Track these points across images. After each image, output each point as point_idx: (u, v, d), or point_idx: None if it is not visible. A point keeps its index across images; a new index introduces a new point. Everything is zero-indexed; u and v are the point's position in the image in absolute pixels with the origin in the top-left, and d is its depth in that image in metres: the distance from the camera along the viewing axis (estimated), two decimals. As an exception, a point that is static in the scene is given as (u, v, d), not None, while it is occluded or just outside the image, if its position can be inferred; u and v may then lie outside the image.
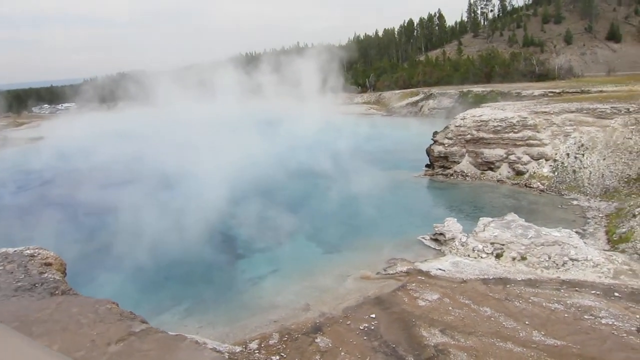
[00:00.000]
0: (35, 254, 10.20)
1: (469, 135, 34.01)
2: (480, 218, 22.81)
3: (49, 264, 9.85)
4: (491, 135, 33.01)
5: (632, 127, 28.95)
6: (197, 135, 48.57)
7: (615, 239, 20.99)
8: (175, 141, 48.87)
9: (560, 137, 31.09)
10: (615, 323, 14.85)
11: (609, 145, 29.12)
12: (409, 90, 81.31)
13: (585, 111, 31.31)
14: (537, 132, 31.68)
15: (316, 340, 15.31)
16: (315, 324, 16.36)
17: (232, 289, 20.61)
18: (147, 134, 58.00)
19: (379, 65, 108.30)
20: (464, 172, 33.71)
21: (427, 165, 36.84)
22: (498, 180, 31.92)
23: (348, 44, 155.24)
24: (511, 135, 32.30)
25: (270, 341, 15.57)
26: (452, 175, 34.00)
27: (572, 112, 31.72)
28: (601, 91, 44.40)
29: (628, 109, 29.81)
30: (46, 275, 9.17)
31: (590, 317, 15.32)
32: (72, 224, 30.68)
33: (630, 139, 28.53)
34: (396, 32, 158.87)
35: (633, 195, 25.14)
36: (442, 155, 34.85)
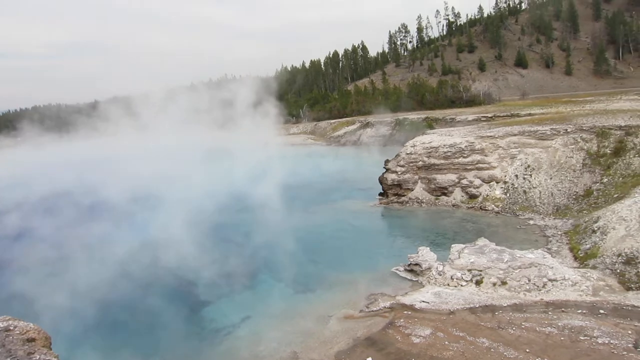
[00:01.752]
0: (11, 327, 8.39)
1: (420, 162, 34.53)
2: (452, 245, 22.78)
3: (32, 339, 8.11)
4: (442, 161, 33.71)
5: (572, 146, 30.68)
6: (135, 168, 45.91)
7: (581, 255, 21.65)
8: (115, 173, 45.94)
9: (507, 160, 32.34)
10: (611, 342, 14.95)
11: (553, 164, 30.62)
12: (344, 119, 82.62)
13: (527, 134, 32.89)
14: (485, 155, 32.77)
15: (315, 393, 14.13)
16: (309, 374, 15.16)
17: (205, 341, 18.77)
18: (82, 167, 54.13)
19: (310, 95, 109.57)
20: (419, 199, 34.03)
21: (380, 194, 36.87)
22: (453, 205, 32.46)
23: (277, 75, 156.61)
24: (461, 160, 33.16)
25: (264, 400, 14.16)
26: (407, 202, 34.20)
27: (515, 135, 33.21)
28: (530, 114, 47.33)
29: (566, 130, 31.65)
30: (37, 357, 7.49)
31: (586, 337, 15.35)
32: None
33: (572, 157, 30.18)
34: (322, 64, 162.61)
35: (584, 211, 26.35)
36: (395, 183, 35.04)
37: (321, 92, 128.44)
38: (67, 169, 56.92)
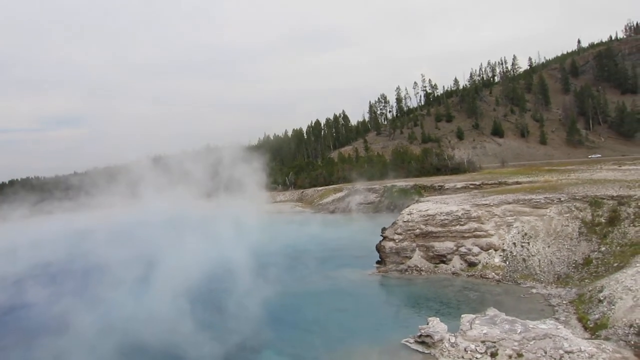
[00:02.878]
0: None
1: (417, 230, 34.76)
2: (462, 315, 22.47)
3: None
4: (439, 229, 34.00)
5: (567, 215, 31.40)
6: (125, 240, 44.82)
7: (591, 325, 21.55)
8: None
9: (504, 227, 32.81)
10: (639, 418, 14.64)
11: (549, 233, 31.15)
12: (331, 187, 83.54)
13: (521, 202, 33.66)
14: (482, 223, 33.23)
15: None
16: None
17: None
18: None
19: (295, 163, 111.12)
20: (417, 267, 33.91)
21: (378, 262, 36.65)
22: (453, 273, 32.39)
23: (260, 143, 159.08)
24: (458, 227, 33.52)
25: None
26: (406, 270, 34.01)
27: (510, 203, 33.94)
28: (517, 182, 48.69)
29: (560, 199, 32.52)
30: None
31: (614, 414, 15.02)
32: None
33: (568, 226, 30.81)
34: (305, 132, 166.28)
35: (586, 280, 26.54)
36: (393, 251, 35.00)
37: (305, 159, 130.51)
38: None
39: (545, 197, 33.28)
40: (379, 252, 36.46)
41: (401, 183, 68.93)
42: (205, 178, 74.92)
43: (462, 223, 33.59)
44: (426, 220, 34.77)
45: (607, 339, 20.01)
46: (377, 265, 36.49)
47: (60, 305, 31.29)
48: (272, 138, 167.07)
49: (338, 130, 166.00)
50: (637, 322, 19.87)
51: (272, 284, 34.78)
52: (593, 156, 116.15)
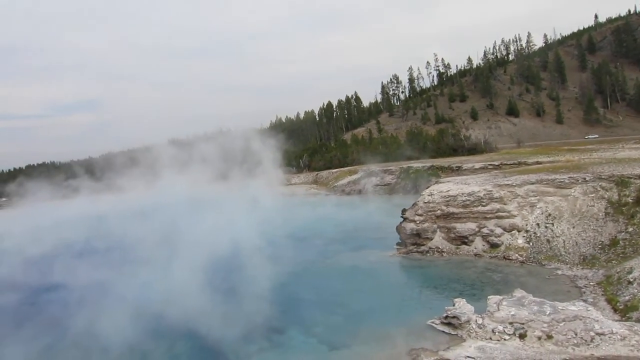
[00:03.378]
0: None
1: (439, 211, 34.46)
2: (489, 297, 22.32)
3: None
4: (461, 210, 33.67)
5: (592, 195, 30.87)
6: (145, 222, 45.17)
7: (621, 307, 21.28)
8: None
9: (527, 208, 32.37)
10: (676, 400, 14.44)
11: (574, 213, 30.67)
12: (346, 168, 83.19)
13: (545, 182, 33.13)
14: (504, 204, 32.81)
15: None
16: None
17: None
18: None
19: (309, 145, 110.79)
20: (439, 248, 33.72)
21: (398, 244, 36.51)
22: (475, 255, 32.15)
23: (272, 126, 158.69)
24: (480, 208, 33.15)
25: None
26: (427, 252, 33.84)
27: (533, 183, 33.43)
28: (538, 162, 47.98)
29: (584, 178, 31.96)
30: None
31: (650, 396, 14.82)
32: None
33: (593, 206, 30.30)
34: (317, 114, 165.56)
35: (613, 261, 26.16)
36: (414, 232, 34.80)
37: (317, 142, 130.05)
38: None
39: (569, 177, 32.71)
40: (399, 233, 36.28)
41: (417, 164, 68.39)
42: (220, 161, 75.13)
43: (484, 204, 33.20)
44: (447, 201, 34.43)
45: (638, 321, 19.73)
46: (397, 247, 36.35)
47: (89, 283, 31.91)
48: (284, 121, 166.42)
49: (350, 112, 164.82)
50: (670, 303, 19.54)
51: (292, 265, 34.97)
52: (590, 136, 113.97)
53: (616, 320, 20.04)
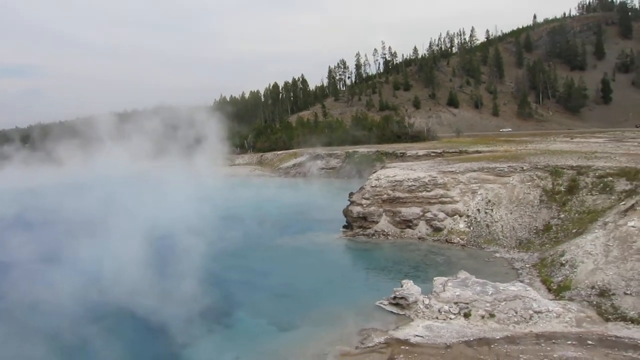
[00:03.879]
0: None
1: (385, 195, 35.11)
2: (435, 278, 23.08)
3: None
4: (406, 195, 34.47)
5: (528, 183, 32.56)
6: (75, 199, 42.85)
7: (554, 288, 22.65)
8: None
9: (469, 194, 33.68)
10: (607, 372, 15.61)
11: (512, 200, 32.26)
12: (291, 151, 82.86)
13: (486, 170, 34.56)
14: (448, 190, 33.94)
15: None
16: (321, 418, 14.45)
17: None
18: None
19: (254, 126, 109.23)
20: (384, 232, 34.42)
21: (344, 226, 36.92)
22: (419, 238, 33.11)
23: (216, 105, 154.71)
24: (425, 194, 34.10)
25: None
26: (373, 235, 34.46)
27: (475, 170, 34.78)
28: (478, 151, 49.99)
29: (522, 168, 33.62)
30: None
31: (583, 369, 15.93)
32: None
33: (529, 194, 31.99)
34: (262, 95, 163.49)
35: (547, 245, 27.81)
36: (361, 215, 35.28)
37: (263, 123, 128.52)
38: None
39: (508, 166, 34.31)
40: (346, 216, 36.67)
41: (363, 149, 69.36)
42: (161, 136, 72.19)
43: (428, 189, 34.17)
44: (394, 185, 35.13)
45: (571, 299, 21.11)
46: (344, 230, 36.77)
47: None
48: (229, 100, 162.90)
49: (296, 95, 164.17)
50: (598, 283, 21.03)
51: (238, 247, 34.42)
52: (504, 130, 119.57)
53: (551, 299, 21.33)
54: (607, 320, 19.21)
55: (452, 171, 35.19)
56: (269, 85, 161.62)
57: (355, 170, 64.94)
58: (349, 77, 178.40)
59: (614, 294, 20.17)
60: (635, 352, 16.81)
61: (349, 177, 65.01)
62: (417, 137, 77.76)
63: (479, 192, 33.63)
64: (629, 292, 19.88)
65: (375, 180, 36.24)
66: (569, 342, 17.74)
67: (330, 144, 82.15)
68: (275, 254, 32.88)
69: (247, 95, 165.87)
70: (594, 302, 20.36)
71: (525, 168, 33.64)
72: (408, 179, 34.88)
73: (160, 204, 39.51)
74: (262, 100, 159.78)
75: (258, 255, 32.91)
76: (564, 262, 23.94)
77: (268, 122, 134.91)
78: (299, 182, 66.52)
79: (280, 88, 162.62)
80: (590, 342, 17.70)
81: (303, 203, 49.71)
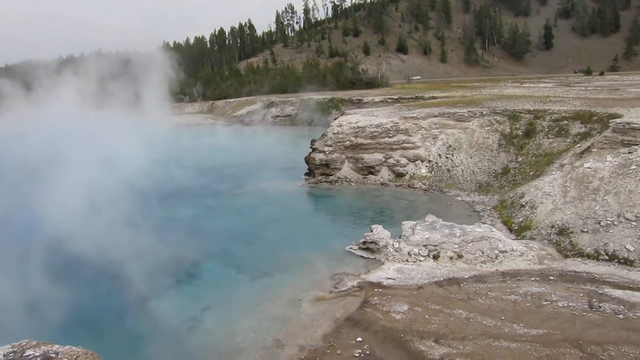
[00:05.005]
0: (52, 355, 6.78)
1: (347, 142, 34.94)
2: (403, 222, 23.47)
3: None
4: (369, 141, 34.45)
5: (487, 128, 33.28)
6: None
7: (515, 228, 23.66)
8: None
9: (430, 140, 34.10)
10: (569, 304, 16.62)
11: (472, 145, 32.97)
12: (244, 98, 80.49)
13: (446, 115, 34.92)
14: (409, 135, 34.18)
15: (318, 380, 13.71)
16: (304, 361, 14.64)
17: (167, 339, 16.85)
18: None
19: (202, 73, 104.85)
20: (347, 178, 34.52)
21: (307, 174, 36.70)
22: (382, 184, 33.46)
23: (158, 52, 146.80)
24: (387, 139, 34.19)
25: (267, 393, 13.39)
26: (336, 182, 34.49)
27: (436, 116, 35.07)
28: (433, 97, 50.37)
29: (481, 112, 34.20)
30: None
31: (547, 302, 16.88)
32: None
33: (489, 138, 32.76)
34: (207, 41, 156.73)
35: (505, 188, 28.84)
36: (323, 162, 35.08)
37: (210, 70, 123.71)
38: None
39: (468, 111, 34.79)
40: (308, 163, 36.37)
41: (318, 96, 68.31)
42: (102, 85, 67.91)
43: (390, 135, 34.25)
44: (356, 132, 34.96)
45: (532, 238, 22.17)
46: (306, 177, 36.57)
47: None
48: (172, 46, 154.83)
49: (244, 41, 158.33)
50: (557, 223, 22.12)
51: (199, 197, 33.75)
52: (414, 78, 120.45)
53: (514, 239, 22.32)
54: (566, 256, 20.38)
55: (414, 117, 35.33)
56: (215, 30, 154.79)
57: (311, 117, 64.22)
58: (297, 23, 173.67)
59: (572, 232, 21.31)
60: (593, 284, 18.02)
61: (305, 124, 64.34)
62: (371, 84, 77.38)
63: (439, 137, 34.10)
64: (585, 230, 21.04)
65: (338, 126, 35.89)
66: (533, 279, 18.75)
67: (284, 91, 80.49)
68: (238, 203, 32.36)
69: (191, 41, 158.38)
70: (554, 240, 21.48)
71: (484, 113, 34.25)
72: (370, 125, 34.74)
73: (117, 157, 37.58)
74: (208, 46, 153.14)
75: (221, 204, 32.32)
76: (523, 203, 24.94)
77: (216, 70, 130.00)
78: (255, 130, 65.16)
79: (226, 34, 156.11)
80: (552, 277, 18.78)
81: (261, 151, 48.86)
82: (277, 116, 69.09)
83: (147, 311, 19.09)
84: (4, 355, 6.80)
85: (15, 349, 7.00)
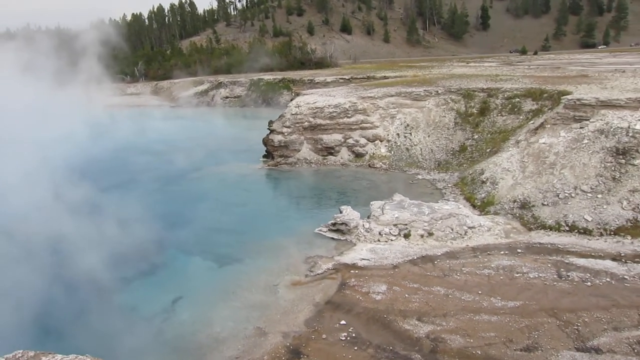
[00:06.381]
0: None
1: (306, 123, 34.46)
2: (372, 202, 23.46)
3: None
4: (328, 121, 34.14)
5: (443, 106, 33.85)
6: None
7: (478, 204, 24.30)
8: None
9: (388, 119, 34.26)
10: (540, 275, 17.28)
11: (429, 123, 33.45)
12: (190, 79, 77.41)
13: (403, 95, 35.17)
14: (368, 115, 34.18)
15: (308, 367, 13.49)
16: (289, 348, 14.34)
17: (139, 333, 16.10)
18: None
19: (144, 52, 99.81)
20: (307, 159, 34.13)
21: (264, 156, 35.97)
22: (342, 164, 33.36)
23: (92, 28, 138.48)
24: (346, 120, 34.02)
25: (255, 383, 13.03)
26: (296, 163, 34.02)
27: (393, 96, 35.23)
28: (385, 77, 50.65)
29: (437, 92, 34.70)
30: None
31: (519, 274, 17.47)
32: None
33: (445, 117, 33.35)
34: (146, 18, 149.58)
35: (464, 165, 29.55)
36: (282, 144, 34.45)
37: (150, 49, 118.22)
38: None
39: (424, 90, 35.19)
40: (266, 145, 35.62)
41: (268, 76, 66.87)
42: (32, 64, 62.98)
43: (349, 115, 34.10)
44: (314, 112, 34.52)
45: (496, 213, 22.85)
46: (264, 159, 35.86)
47: None
48: (106, 23, 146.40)
49: (184, 19, 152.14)
50: (519, 197, 22.91)
51: (152, 182, 32.24)
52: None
53: (478, 215, 22.89)
54: (530, 229, 21.16)
55: (371, 96, 35.31)
56: (153, 7, 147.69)
57: (261, 98, 62.88)
58: (239, 1, 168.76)
59: (533, 206, 22.14)
60: (558, 255, 18.82)
61: (256, 105, 62.96)
62: (320, 64, 76.76)
63: (397, 117, 34.32)
64: (546, 203, 21.91)
65: (296, 107, 35.27)
66: (502, 252, 19.35)
67: (229, 72, 78.25)
68: (197, 187, 31.22)
69: (128, 18, 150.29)
70: (517, 215, 22.24)
71: (439, 92, 34.76)
72: (329, 106, 34.40)
73: (61, 139, 34.91)
74: (147, 24, 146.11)
75: (178, 189, 31.06)
76: (484, 179, 25.62)
77: (159, 48, 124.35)
78: (204, 112, 62.97)
79: (166, 11, 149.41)
80: (519, 250, 19.45)
81: (214, 133, 47.28)
82: (227, 97, 67.19)
83: (112, 305, 18.06)
84: (-1, 372, 6.01)
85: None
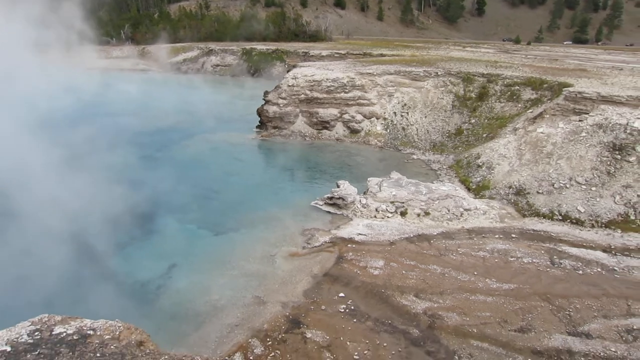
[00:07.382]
0: (87, 331, 5.91)
1: (302, 95, 34.03)
2: (369, 178, 23.47)
3: (141, 343, 5.85)
4: (324, 95, 33.76)
5: (442, 88, 33.75)
6: None
7: (473, 187, 24.49)
8: None
9: (386, 97, 34.06)
10: (534, 260, 17.61)
11: (426, 104, 33.38)
12: (179, 44, 75.37)
13: (402, 73, 34.91)
14: (365, 92, 33.90)
15: (307, 336, 13.56)
16: (288, 317, 14.40)
17: (134, 299, 15.83)
18: None
19: (130, 15, 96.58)
20: (301, 132, 33.83)
21: (258, 126, 35.50)
22: (337, 139, 33.16)
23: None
24: (343, 95, 33.70)
25: (255, 350, 13.05)
26: (290, 135, 33.71)
27: (392, 74, 34.95)
28: (382, 54, 50.14)
29: (437, 73, 34.55)
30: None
31: (513, 258, 17.76)
32: None
33: (443, 99, 33.30)
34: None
35: (459, 148, 29.66)
36: (277, 115, 34.03)
37: (141, 12, 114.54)
38: None
39: (424, 71, 34.98)
40: (260, 116, 35.13)
41: (261, 46, 65.53)
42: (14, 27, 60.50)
43: (346, 90, 33.76)
44: (312, 85, 34.06)
45: (491, 198, 23.08)
46: (258, 130, 35.41)
47: None
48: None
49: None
50: (515, 184, 23.14)
51: (144, 150, 31.46)
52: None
53: (473, 198, 23.08)
54: (524, 216, 21.47)
55: (370, 73, 34.96)
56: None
57: (253, 68, 61.69)
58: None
59: (528, 193, 22.41)
60: (551, 242, 19.16)
61: (247, 74, 61.77)
62: (315, 37, 75.51)
63: (395, 96, 34.14)
64: (541, 191, 22.20)
65: (292, 79, 34.74)
66: (497, 236, 19.62)
67: (220, 40, 76.50)
68: (190, 157, 30.67)
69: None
70: (512, 200, 22.50)
71: (439, 73, 34.61)
72: (327, 79, 33.97)
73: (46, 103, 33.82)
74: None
75: (171, 158, 30.36)
76: (480, 164, 25.78)
77: (144, 12, 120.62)
78: (194, 79, 61.48)
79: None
80: (513, 235, 19.74)
81: (205, 101, 46.27)
82: (217, 65, 65.74)
83: (106, 271, 17.66)
84: (29, 335, 5.82)
85: (38, 326, 6.03)
